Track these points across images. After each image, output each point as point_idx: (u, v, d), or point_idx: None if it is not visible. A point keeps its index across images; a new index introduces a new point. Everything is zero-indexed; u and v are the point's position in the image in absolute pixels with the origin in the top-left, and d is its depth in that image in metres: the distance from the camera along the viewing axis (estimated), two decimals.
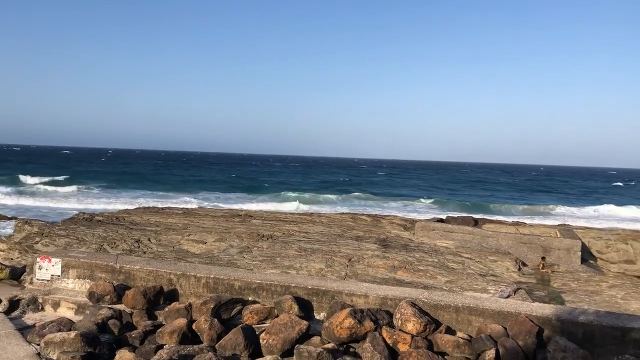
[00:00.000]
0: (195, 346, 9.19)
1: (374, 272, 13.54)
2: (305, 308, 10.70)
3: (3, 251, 15.69)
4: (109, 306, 10.99)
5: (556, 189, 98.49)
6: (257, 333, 9.73)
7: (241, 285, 11.28)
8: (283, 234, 17.74)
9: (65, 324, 10.13)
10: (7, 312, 10.94)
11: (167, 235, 16.85)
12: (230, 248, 15.63)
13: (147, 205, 30.64)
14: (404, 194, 74.01)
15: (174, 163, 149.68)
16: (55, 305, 11.58)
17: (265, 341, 9.42)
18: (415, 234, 18.76)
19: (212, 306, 10.51)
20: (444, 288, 12.29)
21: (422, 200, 64.15)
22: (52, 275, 12.32)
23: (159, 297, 11.28)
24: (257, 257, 14.48)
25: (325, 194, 66.58)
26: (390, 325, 9.85)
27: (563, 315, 9.58)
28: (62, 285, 12.25)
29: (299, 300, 10.64)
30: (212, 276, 11.49)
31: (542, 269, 15.74)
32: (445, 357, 9.24)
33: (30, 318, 10.94)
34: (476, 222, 21.33)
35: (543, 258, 16.40)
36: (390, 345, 9.37)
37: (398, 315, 9.83)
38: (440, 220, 21.12)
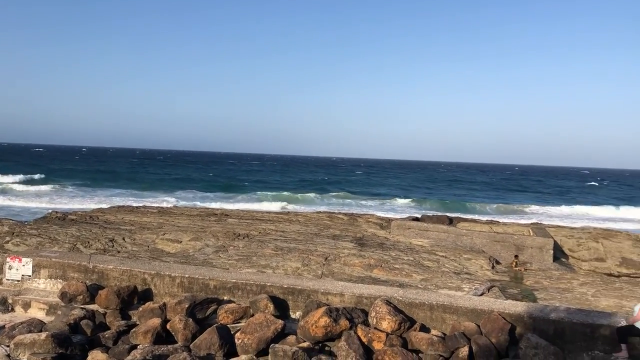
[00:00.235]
0: (169, 346, 9.12)
1: (350, 271, 13.59)
2: (281, 307, 10.70)
3: None
4: (82, 306, 10.84)
5: (532, 188, 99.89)
6: (232, 332, 9.69)
7: (216, 285, 11.22)
8: (259, 233, 17.70)
9: (36, 325, 9.97)
10: None
11: (142, 234, 16.67)
12: (205, 247, 15.54)
13: (122, 204, 30.26)
14: (381, 193, 74.36)
15: (150, 161, 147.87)
16: (26, 305, 11.37)
17: (240, 340, 9.39)
18: (391, 233, 18.89)
19: (186, 306, 10.43)
20: (419, 286, 12.40)
21: (399, 199, 64.59)
22: (22, 275, 12.09)
23: (133, 297, 11.16)
24: (233, 257, 14.42)
25: (305, 192, 66.55)
26: (366, 323, 9.91)
27: (535, 313, 9.75)
28: (33, 285, 12.04)
29: (274, 300, 10.63)
30: (187, 275, 11.41)
31: (515, 267, 15.98)
32: (420, 354, 9.32)
33: None
34: (451, 221, 21.56)
35: (516, 256, 16.66)
36: (366, 343, 9.42)
37: (373, 314, 9.89)
38: (416, 219, 21.30)
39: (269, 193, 64.22)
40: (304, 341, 9.52)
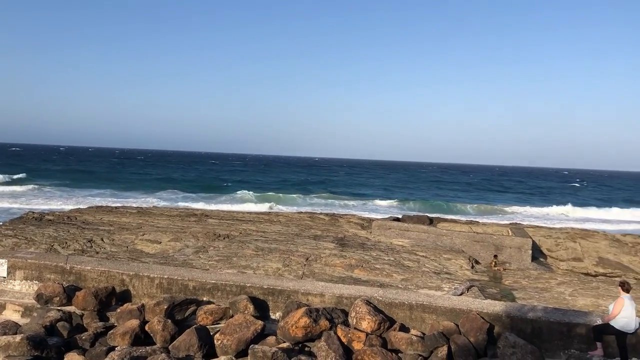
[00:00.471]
0: (148, 347, 9.02)
1: (332, 271, 13.59)
2: (261, 308, 10.66)
3: None
4: (58, 308, 10.68)
5: (513, 188, 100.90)
6: (211, 333, 9.64)
7: (196, 286, 11.14)
8: (240, 233, 17.61)
9: (11, 327, 9.81)
10: None
11: (121, 234, 16.48)
12: (185, 248, 15.41)
13: (100, 204, 29.88)
14: (364, 193, 74.60)
15: (130, 161, 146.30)
16: (0, 308, 11.17)
17: (219, 342, 9.34)
18: (372, 233, 18.93)
19: (165, 307, 10.34)
20: (400, 286, 12.44)
21: (381, 200, 64.80)
22: None
23: (111, 298, 11.03)
24: (213, 257, 14.32)
25: (288, 193, 66.41)
26: (346, 323, 9.92)
27: (513, 312, 9.86)
28: (7, 287, 11.83)
29: (254, 300, 10.59)
30: (165, 276, 11.31)
31: (495, 266, 16.12)
32: (399, 354, 9.36)
33: None
34: (431, 221, 21.70)
35: (495, 256, 16.81)
36: (345, 343, 9.43)
37: (353, 314, 9.90)
38: (397, 219, 21.38)
39: (251, 193, 63.91)
40: (284, 342, 9.51)
